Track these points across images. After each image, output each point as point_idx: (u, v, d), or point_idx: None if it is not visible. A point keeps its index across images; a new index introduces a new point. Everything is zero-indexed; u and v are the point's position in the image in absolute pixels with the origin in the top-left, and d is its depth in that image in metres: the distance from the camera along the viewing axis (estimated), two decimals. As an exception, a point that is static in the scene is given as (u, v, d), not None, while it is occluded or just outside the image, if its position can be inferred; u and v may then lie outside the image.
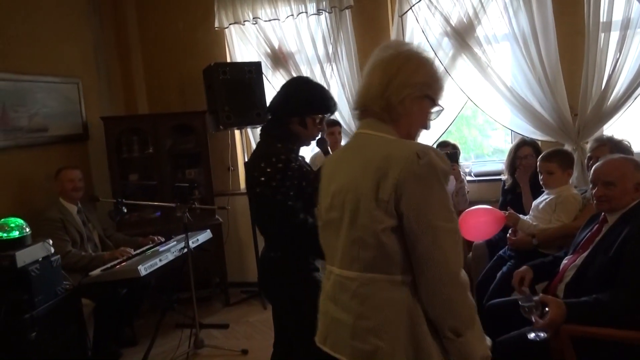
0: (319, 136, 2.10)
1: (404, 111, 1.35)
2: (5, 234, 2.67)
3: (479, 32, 3.85)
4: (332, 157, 1.53)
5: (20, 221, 2.76)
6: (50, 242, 2.85)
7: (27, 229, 2.77)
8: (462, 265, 1.29)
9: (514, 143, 3.49)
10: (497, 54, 3.87)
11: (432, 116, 1.43)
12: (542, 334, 1.93)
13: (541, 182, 2.92)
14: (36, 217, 3.37)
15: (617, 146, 2.87)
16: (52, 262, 2.81)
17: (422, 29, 3.96)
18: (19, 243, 2.68)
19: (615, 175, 2.10)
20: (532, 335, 1.95)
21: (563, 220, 2.78)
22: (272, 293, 2.06)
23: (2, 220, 2.73)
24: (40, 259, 2.73)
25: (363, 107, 1.41)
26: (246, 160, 4.39)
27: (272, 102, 2.04)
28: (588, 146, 3.27)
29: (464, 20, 3.85)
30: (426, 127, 1.44)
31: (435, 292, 1.25)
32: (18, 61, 3.61)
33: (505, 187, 3.48)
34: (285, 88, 2.03)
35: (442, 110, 1.44)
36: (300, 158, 2.06)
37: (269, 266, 2.00)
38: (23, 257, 2.64)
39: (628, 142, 2.96)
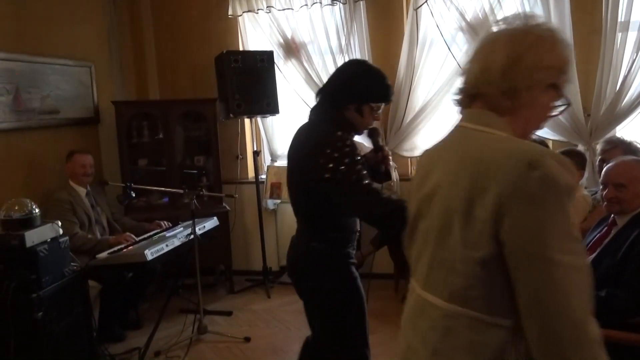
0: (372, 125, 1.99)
1: (529, 100, 1.05)
2: (14, 214, 2.70)
3: (494, 27, 3.81)
4: (428, 155, 1.24)
5: (30, 202, 2.79)
6: (59, 223, 2.87)
7: (37, 210, 2.79)
8: (591, 313, 0.97)
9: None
10: (511, 50, 3.83)
11: (556, 111, 1.12)
12: None
13: None
14: (45, 198, 3.41)
15: (629, 148, 2.84)
16: (61, 243, 2.84)
17: (436, 24, 3.93)
18: (28, 223, 2.71)
19: (627, 177, 2.08)
20: None
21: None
22: (311, 284, 1.92)
23: (13, 200, 2.76)
24: (49, 240, 2.76)
25: (473, 92, 1.11)
26: (255, 149, 4.41)
27: (327, 86, 1.91)
28: (599, 147, 3.24)
29: (480, 15, 3.81)
30: (541, 126, 1.13)
31: (551, 349, 0.94)
32: (32, 43, 3.62)
33: None
34: (343, 72, 1.91)
35: (568, 106, 1.12)
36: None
37: (314, 257, 1.88)
38: (32, 237, 2.66)
39: (638, 144, 2.93)
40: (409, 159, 4.41)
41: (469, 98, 1.12)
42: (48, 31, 3.79)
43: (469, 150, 1.06)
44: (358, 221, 1.97)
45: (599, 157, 3.00)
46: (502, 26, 1.11)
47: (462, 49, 3.91)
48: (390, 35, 4.21)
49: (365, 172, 1.77)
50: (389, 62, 4.20)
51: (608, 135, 3.66)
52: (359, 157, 1.77)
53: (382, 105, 1.92)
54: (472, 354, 1.04)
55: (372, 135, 2.05)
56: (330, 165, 1.71)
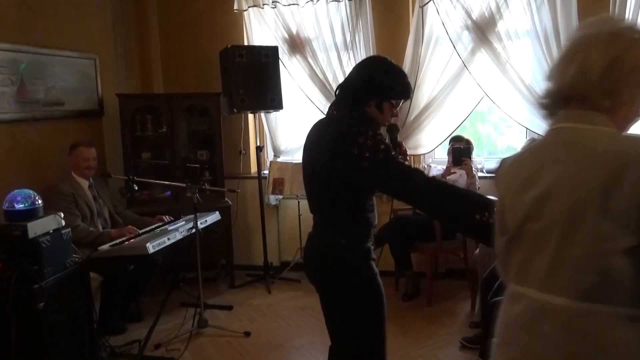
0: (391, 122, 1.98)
1: (629, 99, 1.10)
2: (17, 205, 2.71)
3: (500, 27, 3.80)
4: (520, 159, 1.24)
5: (32, 193, 2.80)
6: (62, 215, 2.88)
7: (39, 201, 2.80)
8: None
9: (525, 142, 3.45)
10: (517, 50, 3.82)
11: None
12: None
13: None
14: (48, 189, 3.42)
15: None
16: (63, 234, 2.85)
17: (442, 21, 3.92)
18: (31, 214, 2.72)
19: None
20: None
21: None
22: (335, 280, 1.87)
23: (16, 191, 2.77)
24: (51, 231, 2.77)
25: (568, 93, 1.13)
26: (258, 144, 4.40)
27: (348, 82, 1.90)
28: None
29: (486, 14, 3.80)
30: (636, 120, 1.18)
31: None
32: (37, 33, 3.62)
33: None
34: (364, 68, 1.90)
35: None
36: None
37: (339, 253, 1.84)
38: (34, 228, 2.67)
39: None
40: (412, 157, 4.40)
41: (562, 100, 1.15)
42: (53, 23, 3.79)
43: (591, 146, 1.07)
44: (376, 215, 1.96)
45: None
46: (589, 30, 1.14)
47: (467, 48, 3.90)
48: (395, 32, 4.20)
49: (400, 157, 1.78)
50: (394, 59, 4.09)
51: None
52: (390, 146, 1.77)
53: (401, 102, 1.93)
54: (623, 352, 1.02)
55: (391, 131, 2.04)
56: (367, 154, 1.68)
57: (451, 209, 1.70)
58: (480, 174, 4.07)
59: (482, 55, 3.85)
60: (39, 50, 3.62)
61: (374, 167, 1.70)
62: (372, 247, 1.94)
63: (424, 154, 4.39)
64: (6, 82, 3.36)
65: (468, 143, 3.93)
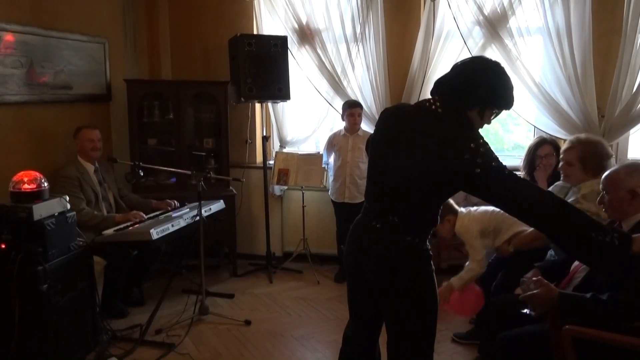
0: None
1: None
2: (24, 187, 2.72)
3: (512, 23, 3.76)
4: None
5: (39, 175, 2.81)
6: (67, 198, 2.90)
7: (45, 183, 2.82)
8: None
9: (533, 141, 3.42)
10: (528, 47, 3.78)
11: None
12: (526, 311, 2.04)
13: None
14: (54, 172, 3.43)
15: (590, 148, 2.65)
16: (68, 218, 2.86)
17: (453, 16, 3.88)
18: (37, 196, 2.74)
19: (605, 183, 2.08)
20: (524, 310, 2.07)
21: (591, 210, 2.68)
22: (402, 278, 1.83)
23: (22, 172, 2.79)
24: (56, 214, 2.78)
25: None
26: (264, 134, 4.40)
27: (453, 80, 1.83)
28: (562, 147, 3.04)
29: (498, 10, 3.77)
30: None
31: None
32: (47, 16, 3.62)
33: None
34: (478, 72, 1.80)
35: None
36: None
37: (409, 251, 1.81)
38: (40, 210, 2.69)
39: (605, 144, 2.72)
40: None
41: None
42: (63, 5, 3.78)
43: None
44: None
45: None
46: None
47: (477, 43, 3.87)
48: (406, 26, 4.17)
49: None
50: (404, 52, 4.17)
51: (621, 137, 3.62)
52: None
53: (499, 113, 1.88)
54: None
55: None
56: (479, 160, 1.64)
57: (563, 221, 1.65)
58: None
59: (493, 51, 3.82)
60: (48, 33, 3.62)
61: (486, 174, 1.65)
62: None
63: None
64: (16, 64, 3.37)
65: None
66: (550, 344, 1.99)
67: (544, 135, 3.70)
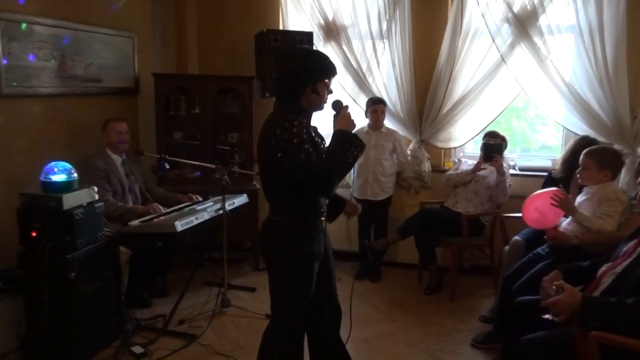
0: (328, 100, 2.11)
1: None
2: (54, 177, 2.80)
3: (542, 21, 3.69)
4: None
5: (69, 166, 2.88)
6: (95, 189, 2.96)
7: (75, 174, 2.88)
8: None
9: (579, 142, 3.25)
10: (558, 46, 3.70)
11: None
12: (548, 316, 2.02)
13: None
14: (83, 163, 3.50)
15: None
16: (96, 208, 2.93)
17: (482, 13, 3.83)
18: (66, 187, 2.81)
19: None
20: (546, 315, 2.05)
21: (610, 214, 2.66)
22: (269, 253, 2.18)
23: (53, 163, 2.86)
24: (85, 204, 2.85)
25: None
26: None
27: (281, 79, 2.03)
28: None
29: (528, 7, 3.70)
30: None
31: None
32: (79, 11, 3.70)
33: (552, 176, 3.36)
34: (289, 62, 2.05)
35: None
36: (312, 128, 2.10)
37: (272, 230, 2.12)
38: (69, 200, 2.76)
39: None
40: (443, 150, 4.35)
41: None
42: (94, 0, 3.86)
43: None
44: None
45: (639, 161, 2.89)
46: None
47: (506, 41, 3.80)
48: (433, 23, 4.13)
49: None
50: (430, 49, 4.13)
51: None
52: (305, 137, 1.92)
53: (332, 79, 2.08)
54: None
55: (336, 106, 2.13)
56: (281, 145, 1.88)
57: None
58: (512, 172, 3.99)
59: (522, 49, 3.75)
60: (80, 27, 3.70)
61: (285, 156, 1.89)
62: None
63: (454, 148, 4.33)
64: (48, 57, 3.45)
65: (503, 140, 3.85)
66: (575, 349, 1.95)
67: (571, 135, 3.63)
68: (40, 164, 2.92)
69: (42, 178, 2.80)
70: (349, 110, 2.08)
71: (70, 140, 3.72)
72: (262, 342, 2.20)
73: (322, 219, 2.13)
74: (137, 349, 2.94)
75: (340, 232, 4.58)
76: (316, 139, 2.08)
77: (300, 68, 1.98)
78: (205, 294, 3.60)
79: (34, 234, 2.75)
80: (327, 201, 2.14)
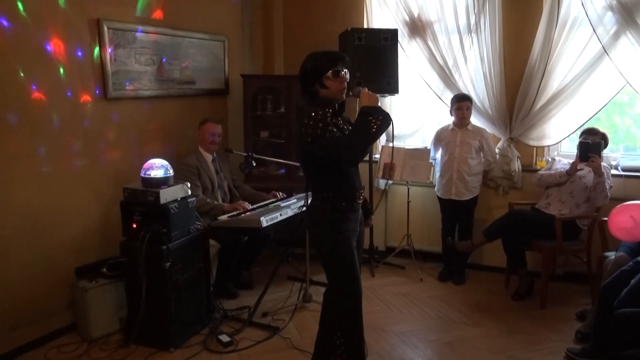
0: (344, 87, 2.33)
1: None
2: (153, 173, 3.02)
3: (652, 7, 3.36)
4: None
5: (165, 163, 3.09)
6: (189, 184, 3.16)
7: (171, 171, 3.09)
8: None
9: None
10: (671, 33, 3.35)
11: None
12: None
13: None
14: (176, 160, 3.74)
15: None
16: (189, 203, 3.12)
17: (581, 1, 3.56)
18: (163, 182, 3.02)
19: None
20: None
21: None
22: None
23: (152, 160, 3.09)
24: (179, 199, 3.05)
25: None
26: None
27: (300, 84, 2.36)
28: None
29: (636, -8, 3.38)
30: None
31: None
32: (175, 17, 3.95)
33: None
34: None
35: None
36: (341, 117, 2.39)
37: (314, 211, 2.42)
38: (166, 195, 2.97)
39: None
40: (535, 149, 4.11)
41: None
42: (189, 6, 4.10)
43: None
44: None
45: None
46: None
47: (609, 31, 3.51)
48: (525, 14, 3.91)
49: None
50: (523, 43, 3.92)
51: None
52: (329, 120, 2.19)
53: (338, 69, 2.30)
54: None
55: (354, 91, 2.37)
56: (309, 130, 2.16)
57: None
58: (614, 172, 3.68)
59: (627, 39, 3.44)
60: (176, 32, 3.95)
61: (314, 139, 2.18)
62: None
63: (548, 146, 4.08)
64: (149, 62, 3.72)
65: (603, 137, 3.55)
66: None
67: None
68: (141, 160, 3.16)
69: (142, 174, 3.04)
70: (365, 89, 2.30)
71: (166, 139, 3.98)
72: (323, 309, 2.49)
73: (360, 200, 2.42)
74: (224, 338, 3.08)
75: (422, 232, 4.50)
76: (342, 125, 2.34)
77: (302, 73, 2.33)
78: (288, 289, 3.70)
79: (134, 226, 2.99)
80: (362, 190, 2.43)
